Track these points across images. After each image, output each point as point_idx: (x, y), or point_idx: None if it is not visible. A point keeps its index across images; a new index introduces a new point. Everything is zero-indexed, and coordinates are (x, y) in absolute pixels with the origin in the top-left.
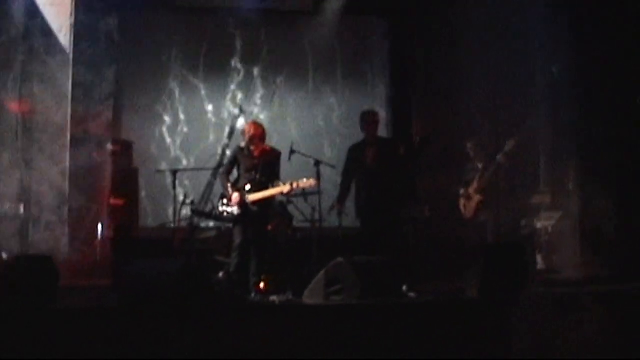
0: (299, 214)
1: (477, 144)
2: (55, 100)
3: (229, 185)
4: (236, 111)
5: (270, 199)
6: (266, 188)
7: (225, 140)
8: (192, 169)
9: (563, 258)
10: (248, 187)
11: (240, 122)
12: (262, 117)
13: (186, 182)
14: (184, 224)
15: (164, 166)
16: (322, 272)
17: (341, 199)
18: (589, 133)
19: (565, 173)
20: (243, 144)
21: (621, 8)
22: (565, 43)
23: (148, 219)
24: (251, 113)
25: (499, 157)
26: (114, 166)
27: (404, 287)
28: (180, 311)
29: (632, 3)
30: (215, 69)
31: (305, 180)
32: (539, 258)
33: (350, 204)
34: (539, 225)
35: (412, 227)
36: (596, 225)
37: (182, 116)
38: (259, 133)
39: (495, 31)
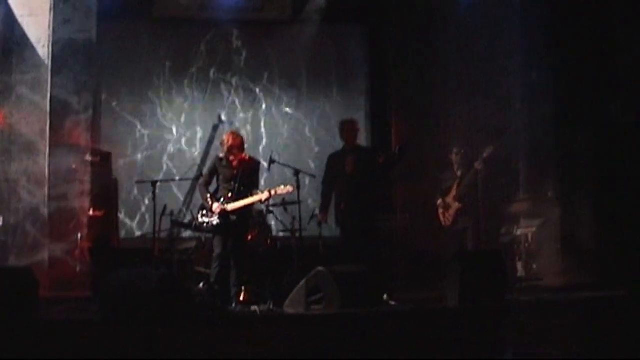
0: (279, 223)
1: (459, 151)
2: (34, 111)
3: (209, 195)
4: (215, 121)
5: (250, 208)
6: (245, 197)
7: (204, 151)
8: (172, 180)
9: (543, 265)
10: (227, 197)
11: (220, 132)
12: (241, 127)
13: (166, 193)
14: (163, 234)
15: (143, 177)
16: (302, 282)
17: (323, 208)
18: (567, 140)
19: (544, 180)
20: (222, 154)
21: (599, 16)
22: (544, 51)
23: (128, 230)
24: (230, 123)
25: (477, 164)
26: (93, 177)
27: (385, 296)
28: (161, 322)
29: (608, 10)
30: (194, 78)
31: (283, 187)
32: (519, 265)
33: (330, 213)
34: (519, 232)
35: (392, 235)
36: (576, 233)
37: (161, 127)
38: (237, 143)
39: (474, 38)
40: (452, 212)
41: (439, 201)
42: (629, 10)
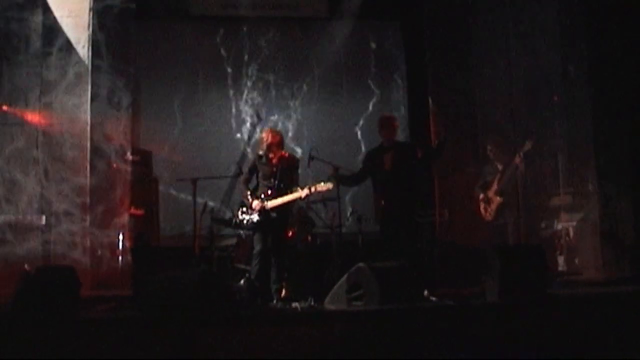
0: (319, 220)
1: (496, 146)
2: (75, 111)
3: (249, 192)
4: (254, 119)
5: (289, 205)
6: (285, 194)
7: (243, 148)
8: (212, 177)
9: (584, 259)
10: (267, 194)
11: (258, 130)
12: (280, 124)
13: (206, 191)
14: (204, 232)
15: (183, 175)
16: (343, 278)
17: (339, 174)
18: (606, 134)
19: (584, 174)
20: (261, 152)
21: (636, 7)
22: (581, 42)
23: (168, 228)
24: (268, 120)
25: (516, 158)
26: (133, 176)
27: (425, 292)
28: (202, 319)
29: None
30: (231, 76)
31: (322, 184)
32: (560, 259)
33: (369, 209)
34: (559, 226)
35: (432, 230)
36: (616, 227)
37: (200, 124)
38: (276, 140)
39: (511, 31)
40: (493, 206)
41: (481, 195)
42: None
